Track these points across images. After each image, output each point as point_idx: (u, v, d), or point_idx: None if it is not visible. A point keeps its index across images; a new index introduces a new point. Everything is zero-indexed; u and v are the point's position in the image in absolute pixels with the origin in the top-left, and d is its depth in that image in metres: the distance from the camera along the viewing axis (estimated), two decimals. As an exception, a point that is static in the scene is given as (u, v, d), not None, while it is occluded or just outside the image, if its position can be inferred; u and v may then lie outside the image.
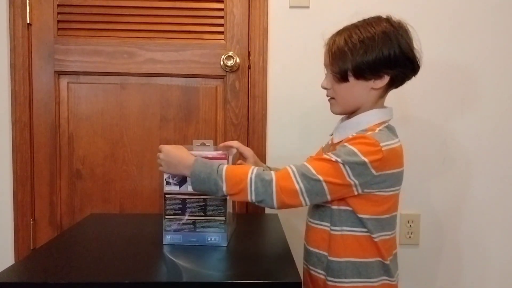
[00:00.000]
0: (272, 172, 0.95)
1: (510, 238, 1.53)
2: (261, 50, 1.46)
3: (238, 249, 1.03)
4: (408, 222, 1.51)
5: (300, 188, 0.92)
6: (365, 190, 0.94)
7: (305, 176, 0.92)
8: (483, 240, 1.53)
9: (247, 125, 1.48)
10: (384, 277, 0.99)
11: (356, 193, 0.94)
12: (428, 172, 1.51)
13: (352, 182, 0.92)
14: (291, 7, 1.46)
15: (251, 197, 0.94)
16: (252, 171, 0.95)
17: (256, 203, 0.95)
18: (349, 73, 0.97)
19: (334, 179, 0.92)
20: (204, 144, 1.05)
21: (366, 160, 0.90)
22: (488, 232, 1.53)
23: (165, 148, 1.03)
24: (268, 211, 1.49)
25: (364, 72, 0.96)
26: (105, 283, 0.83)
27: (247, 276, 0.86)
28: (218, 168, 0.96)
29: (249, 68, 1.48)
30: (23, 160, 1.47)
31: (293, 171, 0.94)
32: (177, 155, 1.01)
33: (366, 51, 0.95)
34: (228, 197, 0.99)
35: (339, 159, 0.91)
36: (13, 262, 1.46)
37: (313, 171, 0.92)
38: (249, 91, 1.48)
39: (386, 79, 0.97)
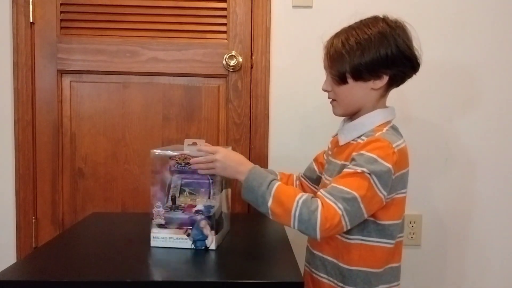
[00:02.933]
0: (319, 201, 0.89)
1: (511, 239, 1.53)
2: (264, 49, 1.46)
3: (240, 249, 1.03)
4: (410, 223, 1.51)
5: (342, 212, 0.87)
6: (387, 197, 0.93)
7: (343, 197, 0.88)
8: (485, 241, 1.52)
9: (250, 125, 1.48)
10: (395, 283, 1.00)
11: (384, 203, 0.93)
12: (430, 173, 1.51)
13: (382, 196, 0.91)
14: (294, 6, 1.46)
15: (293, 223, 0.89)
16: (301, 196, 0.90)
17: (299, 231, 0.90)
18: (347, 75, 0.98)
19: (368, 193, 0.89)
20: (195, 144, 1.05)
21: (389, 166, 0.89)
22: (490, 233, 1.52)
23: (223, 150, 0.99)
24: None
25: (361, 73, 0.96)
26: (106, 281, 0.83)
27: (249, 276, 0.86)
28: (270, 181, 0.93)
29: (251, 67, 1.48)
30: (26, 159, 1.47)
31: (329, 197, 0.89)
32: (237, 159, 1.00)
33: (363, 52, 0.95)
34: (270, 216, 0.92)
35: (364, 169, 0.89)
36: (15, 260, 1.46)
37: (346, 189, 0.89)
38: (252, 90, 1.48)
39: (385, 79, 0.97)
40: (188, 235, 1.01)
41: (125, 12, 1.46)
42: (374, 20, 0.99)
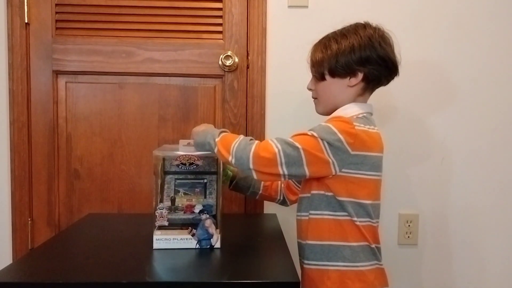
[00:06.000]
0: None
1: (508, 238, 1.53)
2: (260, 49, 1.46)
3: (236, 249, 1.03)
4: (407, 222, 1.51)
5: (279, 150, 0.93)
6: (343, 170, 0.96)
7: (284, 141, 0.95)
8: (481, 240, 1.53)
9: (246, 125, 1.48)
10: (375, 261, 1.01)
11: (333, 171, 0.95)
12: (426, 172, 1.51)
13: (330, 160, 0.94)
14: (289, 6, 1.46)
15: (231, 152, 0.96)
16: (246, 137, 1.00)
17: (234, 161, 0.96)
18: (325, 72, 1.04)
19: (313, 150, 0.93)
20: (190, 144, 1.06)
21: (341, 137, 0.93)
22: (486, 232, 1.53)
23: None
24: (266, 210, 1.49)
25: (338, 70, 1.02)
26: (102, 283, 0.82)
27: (245, 275, 0.86)
28: (223, 131, 1.03)
29: (247, 67, 1.48)
30: (21, 160, 1.46)
31: (272, 140, 0.96)
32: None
33: (340, 51, 1.02)
34: (215, 150, 0.99)
35: (315, 134, 0.94)
36: (11, 261, 1.45)
37: (292, 140, 0.95)
38: (248, 90, 1.48)
39: (360, 76, 1.02)
40: (193, 235, 1.00)
41: (121, 12, 1.46)
42: (355, 26, 1.05)
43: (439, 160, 1.51)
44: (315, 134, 0.94)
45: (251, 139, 0.99)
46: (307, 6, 1.46)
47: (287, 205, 1.31)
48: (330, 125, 0.95)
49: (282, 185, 1.29)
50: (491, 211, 1.52)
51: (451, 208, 1.52)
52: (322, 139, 0.93)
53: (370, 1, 1.44)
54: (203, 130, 1.04)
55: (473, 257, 1.53)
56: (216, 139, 0.99)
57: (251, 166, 0.94)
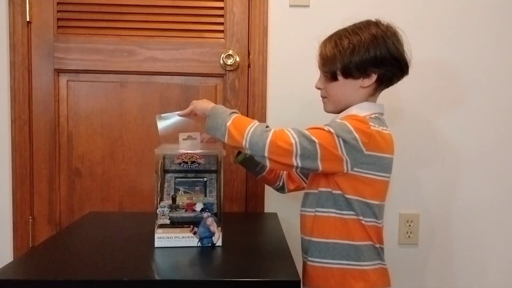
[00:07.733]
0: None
1: (508, 238, 1.53)
2: (261, 49, 1.46)
3: (237, 248, 1.03)
4: (407, 222, 1.51)
5: (295, 142, 0.91)
6: (355, 169, 0.95)
7: (302, 133, 0.93)
8: (482, 240, 1.53)
9: (247, 124, 1.48)
10: (379, 261, 1.01)
11: (345, 169, 0.95)
12: (427, 172, 1.51)
13: (344, 157, 0.93)
14: (291, 6, 1.46)
15: (245, 138, 0.94)
16: (262, 123, 0.97)
17: (248, 145, 0.94)
18: (338, 73, 1.02)
19: (328, 146, 0.92)
20: (190, 137, 1.05)
21: (357, 135, 0.93)
22: (487, 231, 1.53)
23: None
24: (267, 209, 1.49)
25: (351, 71, 1.00)
26: (103, 280, 0.83)
27: (246, 274, 0.86)
28: (234, 111, 1.00)
29: (248, 66, 1.48)
30: (22, 158, 1.46)
31: (289, 130, 0.94)
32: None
33: (354, 52, 0.99)
34: (226, 138, 0.96)
35: (331, 130, 0.93)
36: (12, 259, 1.45)
37: (309, 134, 0.93)
38: (249, 90, 1.48)
39: (373, 77, 1.00)
40: (195, 233, 1.00)
41: (122, 11, 1.46)
42: (367, 23, 1.03)
43: (440, 160, 1.51)
44: (331, 130, 0.93)
45: (267, 126, 0.96)
46: (308, 6, 1.46)
47: (284, 193, 1.30)
48: (346, 123, 0.94)
49: (285, 172, 1.28)
50: (492, 211, 1.52)
51: (452, 208, 1.52)
52: (338, 136, 0.92)
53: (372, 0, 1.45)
54: (213, 110, 1.00)
55: (474, 257, 1.53)
56: (228, 123, 0.96)
57: (266, 154, 0.92)
